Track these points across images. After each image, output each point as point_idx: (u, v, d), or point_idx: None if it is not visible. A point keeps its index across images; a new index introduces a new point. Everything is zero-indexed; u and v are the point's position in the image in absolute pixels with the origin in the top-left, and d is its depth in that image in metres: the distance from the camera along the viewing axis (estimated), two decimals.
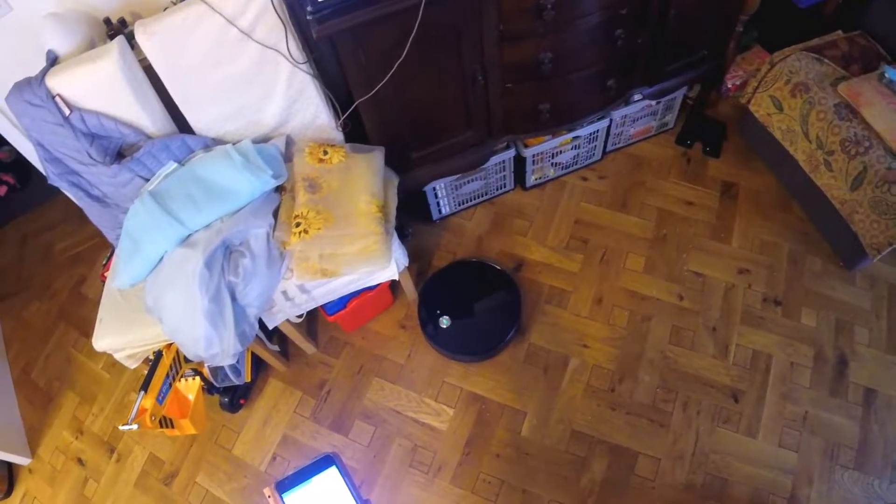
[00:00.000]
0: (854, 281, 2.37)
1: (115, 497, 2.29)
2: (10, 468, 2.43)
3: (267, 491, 1.06)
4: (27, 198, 3.15)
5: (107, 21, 1.95)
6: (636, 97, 2.41)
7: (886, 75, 2.18)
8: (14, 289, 2.89)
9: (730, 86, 2.63)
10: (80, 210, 2.08)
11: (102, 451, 2.37)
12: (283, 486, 1.06)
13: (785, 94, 2.34)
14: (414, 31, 1.71)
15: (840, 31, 2.41)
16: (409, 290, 2.36)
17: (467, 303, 2.36)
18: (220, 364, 1.88)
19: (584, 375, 2.24)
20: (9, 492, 2.40)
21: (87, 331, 1.99)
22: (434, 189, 2.44)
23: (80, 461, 2.38)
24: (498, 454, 2.14)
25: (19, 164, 3.15)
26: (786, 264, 2.41)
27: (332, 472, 1.07)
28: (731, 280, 2.38)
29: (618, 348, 2.28)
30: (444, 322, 2.30)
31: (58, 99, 1.77)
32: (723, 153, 2.66)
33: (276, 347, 2.26)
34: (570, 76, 2.09)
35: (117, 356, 2.01)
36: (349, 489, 1.06)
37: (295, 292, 1.97)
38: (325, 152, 1.97)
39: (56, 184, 1.97)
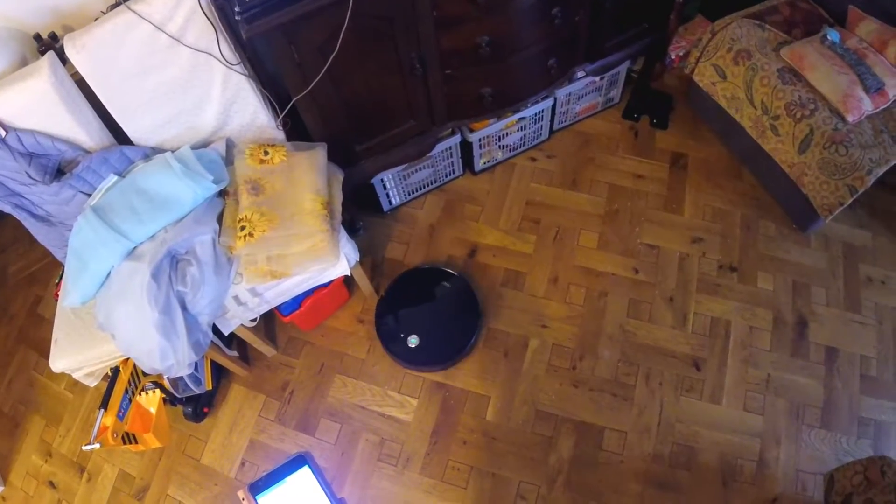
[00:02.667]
0: (808, 243, 2.48)
1: None
2: None
3: (241, 493, 1.10)
4: None
5: (37, 37, 1.96)
6: (579, 75, 2.48)
7: (829, 37, 2.27)
8: None
9: (674, 57, 2.69)
10: (28, 231, 2.12)
11: (73, 472, 2.40)
12: (257, 487, 1.11)
13: (728, 61, 2.41)
14: (345, 24, 1.74)
15: None
16: (364, 284, 2.41)
17: (427, 314, 2.42)
18: (178, 375, 1.93)
19: (545, 355, 2.32)
20: None
21: (46, 352, 2.00)
22: (382, 180, 2.49)
23: (51, 484, 2.40)
24: (465, 440, 2.21)
25: None
26: (739, 231, 2.50)
27: (305, 471, 1.12)
28: (686, 250, 2.47)
29: (576, 326, 2.36)
30: (413, 342, 2.35)
31: None
32: (670, 125, 2.74)
33: (234, 353, 2.30)
34: (510, 59, 2.14)
35: (76, 375, 2.04)
36: (322, 488, 1.10)
37: (247, 296, 2.01)
38: (266, 153, 2.00)
39: None
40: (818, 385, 2.21)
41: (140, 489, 2.31)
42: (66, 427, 2.49)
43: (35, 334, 2.68)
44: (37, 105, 1.79)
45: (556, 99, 2.53)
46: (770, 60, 2.30)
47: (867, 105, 2.15)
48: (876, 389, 2.20)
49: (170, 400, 2.24)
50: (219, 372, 2.40)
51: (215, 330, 2.11)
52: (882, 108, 2.18)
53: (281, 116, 2.06)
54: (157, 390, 2.12)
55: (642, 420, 2.18)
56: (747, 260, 2.44)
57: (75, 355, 1.96)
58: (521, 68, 2.22)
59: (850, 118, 2.13)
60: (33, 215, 2.04)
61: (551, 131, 2.75)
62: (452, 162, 2.62)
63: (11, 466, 2.48)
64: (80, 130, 1.88)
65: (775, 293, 2.38)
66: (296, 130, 2.18)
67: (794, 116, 2.23)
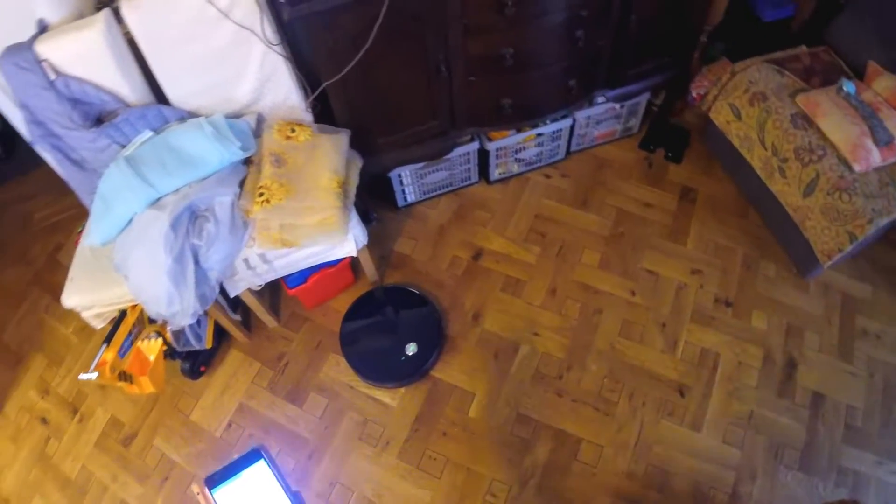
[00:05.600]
0: (808, 289, 2.60)
1: (75, 456, 2.49)
2: None
3: (195, 487, 1.12)
4: (10, 169, 3.40)
5: None
6: (599, 99, 2.67)
7: (844, 88, 2.42)
8: None
9: (695, 95, 2.86)
10: (59, 181, 2.31)
11: (66, 412, 2.58)
12: (213, 481, 1.11)
13: (744, 102, 2.58)
14: (380, 19, 1.94)
15: (804, 46, 2.66)
16: (370, 270, 2.59)
17: (391, 330, 2.55)
18: (180, 323, 2.09)
19: (534, 362, 2.46)
20: None
21: (59, 296, 2.20)
22: (399, 176, 2.69)
23: (43, 420, 2.58)
24: (445, 432, 2.34)
25: (5, 137, 3.42)
26: (739, 268, 2.64)
27: (261, 465, 1.14)
28: (684, 279, 2.61)
29: (568, 338, 2.50)
30: (412, 349, 2.46)
31: (44, 64, 2.01)
32: (685, 160, 2.91)
33: (237, 317, 2.48)
34: (532, 73, 2.34)
35: (84, 315, 2.23)
36: (278, 481, 1.13)
37: (256, 261, 2.20)
38: (293, 130, 2.20)
39: (38, 145, 2.20)
40: (801, 428, 2.31)
41: (128, 436, 2.48)
42: (66, 368, 2.68)
43: (51, 278, 2.89)
44: (88, 55, 2.00)
45: (575, 120, 2.72)
46: (784, 104, 2.46)
47: (876, 157, 2.28)
48: (859, 440, 2.29)
49: (169, 353, 2.41)
50: (220, 334, 2.58)
51: (222, 292, 2.30)
52: (890, 161, 2.31)
53: (311, 99, 2.26)
54: (159, 339, 2.29)
55: (620, 437, 2.30)
56: (744, 297, 2.57)
57: (88, 294, 2.15)
58: (541, 84, 2.41)
59: (857, 167, 2.27)
60: (68, 158, 2.25)
61: (568, 152, 2.94)
62: (469, 168, 2.81)
63: (8, 398, 2.67)
64: (125, 84, 2.08)
65: (768, 332, 2.50)
66: (323, 115, 2.38)
67: (802, 160, 2.38)
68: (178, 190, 2.06)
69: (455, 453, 2.31)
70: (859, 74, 2.55)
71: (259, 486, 1.13)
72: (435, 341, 2.49)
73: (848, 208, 2.25)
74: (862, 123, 2.33)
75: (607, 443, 2.29)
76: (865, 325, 2.53)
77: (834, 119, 2.37)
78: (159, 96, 2.21)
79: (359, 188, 2.36)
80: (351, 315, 2.59)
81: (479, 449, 2.31)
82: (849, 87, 2.43)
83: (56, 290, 2.22)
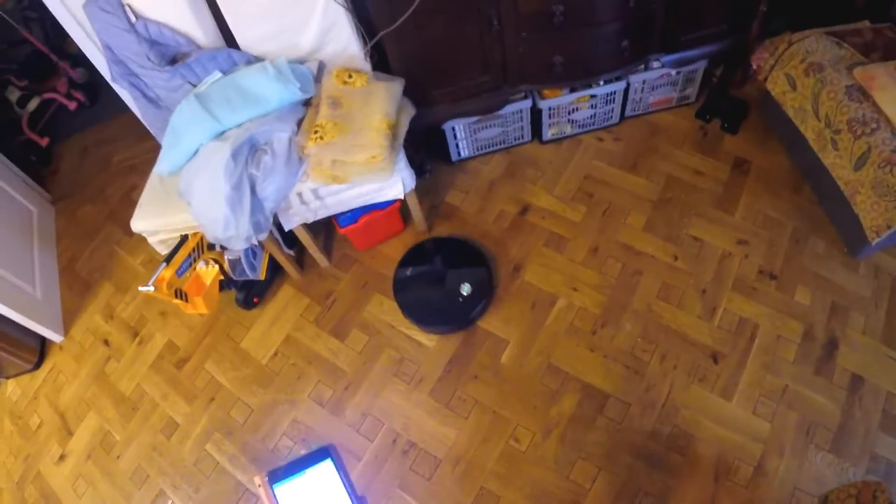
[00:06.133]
0: (857, 269, 2.58)
1: (132, 375, 2.75)
2: (44, 344, 2.93)
3: (258, 479, 1.08)
4: (94, 115, 3.72)
5: None
6: (654, 64, 2.72)
7: None
8: (71, 191, 3.47)
9: (755, 67, 2.86)
10: (137, 128, 2.55)
11: (127, 335, 2.85)
12: (276, 476, 1.07)
13: (799, 72, 2.58)
14: None
15: (867, 22, 2.65)
16: (419, 217, 2.74)
17: (442, 278, 2.68)
18: (235, 247, 2.29)
19: (570, 315, 2.55)
20: (38, 364, 2.89)
21: (131, 231, 2.44)
22: (454, 129, 2.82)
23: (106, 342, 2.85)
24: (476, 375, 2.47)
25: (90, 85, 3.75)
26: (787, 242, 2.65)
27: (328, 465, 1.10)
28: (729, 248, 2.64)
29: (605, 295, 2.58)
30: (466, 289, 2.60)
31: (126, 7, 2.23)
32: (741, 131, 2.93)
33: (291, 252, 2.68)
34: (583, 31, 2.42)
35: (151, 240, 2.47)
36: (344, 484, 1.08)
37: (309, 196, 2.37)
38: (350, 76, 2.35)
39: (118, 83, 2.44)
40: (836, 409, 2.30)
41: (181, 359, 2.72)
42: (132, 296, 2.95)
43: (124, 215, 3.11)
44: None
45: (629, 84, 2.78)
46: (840, 76, 2.46)
47: None
48: (895, 428, 2.28)
49: (226, 283, 2.63)
50: (274, 269, 2.78)
51: (279, 229, 2.50)
52: None
53: (367, 46, 2.41)
54: (216, 266, 2.51)
55: (648, 396, 2.36)
56: (789, 271, 2.59)
57: (154, 219, 2.38)
58: (593, 43, 2.49)
59: None
60: (145, 96, 2.48)
61: (622, 117, 3.00)
62: (522, 127, 2.91)
63: (75, 321, 2.96)
64: (198, 28, 2.30)
65: (811, 309, 2.51)
66: (381, 64, 2.53)
67: (855, 133, 2.38)
68: (241, 125, 2.25)
69: (484, 396, 2.43)
70: None
71: (323, 486, 1.09)
72: (485, 292, 2.61)
73: None
74: None
75: (634, 401, 2.36)
76: None
77: (890, 93, 2.35)
78: (230, 41, 2.41)
79: (415, 141, 2.50)
80: (405, 262, 2.73)
81: (508, 394, 2.42)
82: None
83: (128, 226, 2.44)
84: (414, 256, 2.75)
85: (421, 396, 2.46)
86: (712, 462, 2.23)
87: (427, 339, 2.58)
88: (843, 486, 2.00)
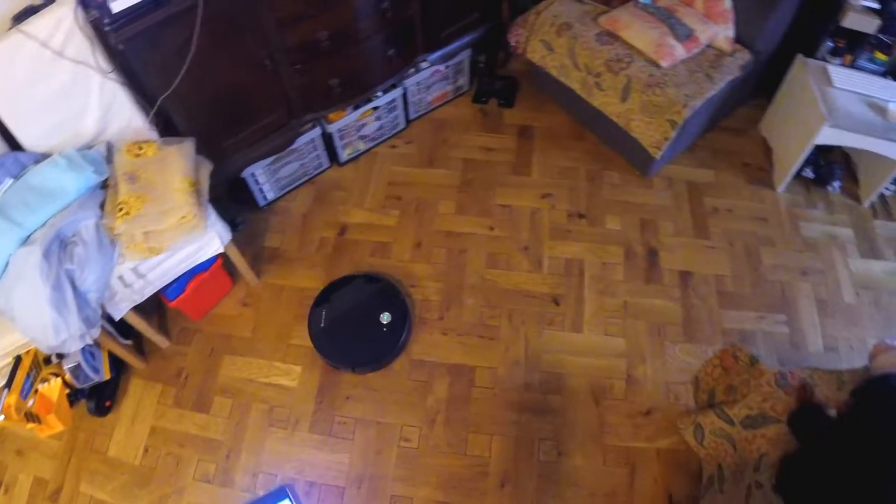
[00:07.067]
0: (652, 185, 3.32)
1: None
2: None
3: None
4: None
5: None
6: (423, 65, 3.30)
7: (641, 1, 3.16)
8: None
9: (514, 44, 3.52)
10: None
11: None
12: None
13: (552, 35, 3.25)
14: (197, 28, 2.44)
15: None
16: (245, 269, 3.10)
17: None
18: (72, 349, 2.53)
19: (415, 310, 3.03)
20: None
21: None
22: (254, 175, 3.22)
23: None
24: (348, 396, 2.86)
25: None
26: (585, 182, 3.34)
27: None
28: (536, 205, 3.28)
29: (441, 282, 3.10)
30: (385, 318, 2.98)
31: None
32: (517, 103, 3.62)
33: (128, 342, 2.90)
34: (350, 50, 2.93)
35: None
36: None
37: (131, 277, 2.66)
38: (141, 148, 2.68)
39: None
40: (676, 305, 3.00)
41: (54, 491, 2.84)
42: None
43: None
44: None
45: (405, 89, 3.35)
46: (588, 28, 3.17)
47: (680, 51, 3.02)
48: (735, 302, 3.00)
49: (74, 394, 2.83)
50: (119, 367, 3.01)
51: (111, 321, 2.74)
52: (695, 51, 3.07)
53: (150, 115, 2.75)
54: (58, 378, 2.72)
55: (510, 355, 2.89)
56: (594, 206, 3.26)
57: None
58: (362, 59, 3.01)
59: (663, 64, 2.99)
60: None
61: (408, 120, 3.59)
62: (318, 155, 3.40)
63: None
64: None
65: (623, 231, 3.20)
66: (168, 129, 2.86)
67: (613, 71, 3.07)
68: (45, 223, 2.50)
69: (362, 412, 2.82)
70: None
71: None
72: (402, 309, 3.02)
73: (662, 100, 2.93)
74: (661, 25, 3.04)
75: (499, 363, 2.88)
76: (715, 203, 3.27)
77: (635, 28, 3.08)
78: (13, 144, 2.65)
79: (220, 198, 2.86)
80: (314, 314, 3.06)
81: (383, 402, 2.83)
82: None
83: None
84: (317, 304, 3.07)
85: (302, 435, 2.79)
86: (588, 390, 2.80)
87: (289, 380, 2.93)
88: (705, 362, 2.59)
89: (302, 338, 3.03)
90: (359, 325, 2.98)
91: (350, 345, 2.93)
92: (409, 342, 2.97)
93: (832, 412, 2.02)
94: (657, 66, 3.03)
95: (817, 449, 1.89)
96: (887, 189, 3.38)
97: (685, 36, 3.05)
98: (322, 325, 2.99)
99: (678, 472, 2.62)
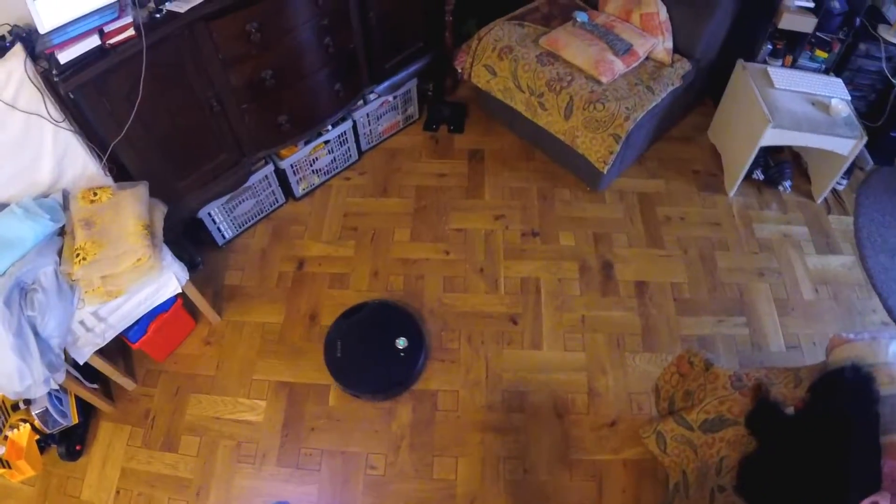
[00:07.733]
0: (603, 199, 3.47)
1: None
2: None
3: None
4: None
5: None
6: (371, 97, 3.43)
7: (578, 19, 3.33)
8: None
9: (460, 70, 3.66)
10: None
11: None
12: None
13: (494, 59, 3.39)
14: (143, 74, 2.55)
15: None
16: (206, 308, 3.19)
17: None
18: (37, 394, 2.62)
19: None
20: None
21: None
22: (210, 215, 3.32)
23: None
24: (313, 427, 2.94)
25: None
26: (537, 201, 3.48)
27: None
28: (490, 227, 3.41)
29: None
30: (401, 343, 3.05)
31: None
32: (466, 129, 3.78)
33: (94, 386, 2.97)
34: (296, 86, 3.05)
35: None
36: None
37: (92, 321, 2.74)
38: (95, 194, 2.78)
39: None
40: (633, 315, 3.12)
41: None
42: None
43: None
44: None
45: (355, 121, 3.49)
46: (529, 49, 3.31)
47: (619, 66, 3.17)
48: (692, 308, 3.13)
49: (44, 440, 2.90)
50: (87, 412, 3.07)
51: (76, 366, 2.82)
52: (635, 65, 3.22)
53: (103, 161, 2.85)
54: (27, 426, 2.79)
55: (470, 377, 2.99)
56: (547, 224, 3.40)
57: None
58: (309, 95, 3.12)
59: (603, 79, 3.14)
60: None
61: (360, 152, 3.73)
62: (273, 191, 3.51)
63: None
64: None
65: (577, 246, 3.33)
66: (122, 174, 2.96)
67: (555, 90, 3.21)
68: (4, 273, 2.59)
69: (327, 443, 2.90)
70: (594, 4, 3.49)
71: None
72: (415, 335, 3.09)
73: (604, 115, 3.07)
74: (600, 42, 3.20)
75: (461, 386, 2.97)
76: (667, 212, 3.42)
77: (574, 47, 3.22)
78: None
79: (177, 239, 2.97)
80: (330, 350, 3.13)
81: (348, 431, 2.92)
82: (581, 16, 3.33)
83: None
84: (330, 343, 3.10)
85: (270, 469, 2.87)
86: (550, 406, 2.90)
87: (254, 415, 3.00)
88: (663, 370, 2.68)
89: (265, 372, 3.13)
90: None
91: None
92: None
93: (790, 410, 2.08)
94: (598, 82, 3.18)
95: (775, 447, 1.96)
96: (839, 184, 3.56)
97: (624, 51, 3.20)
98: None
99: (646, 482, 2.71)
